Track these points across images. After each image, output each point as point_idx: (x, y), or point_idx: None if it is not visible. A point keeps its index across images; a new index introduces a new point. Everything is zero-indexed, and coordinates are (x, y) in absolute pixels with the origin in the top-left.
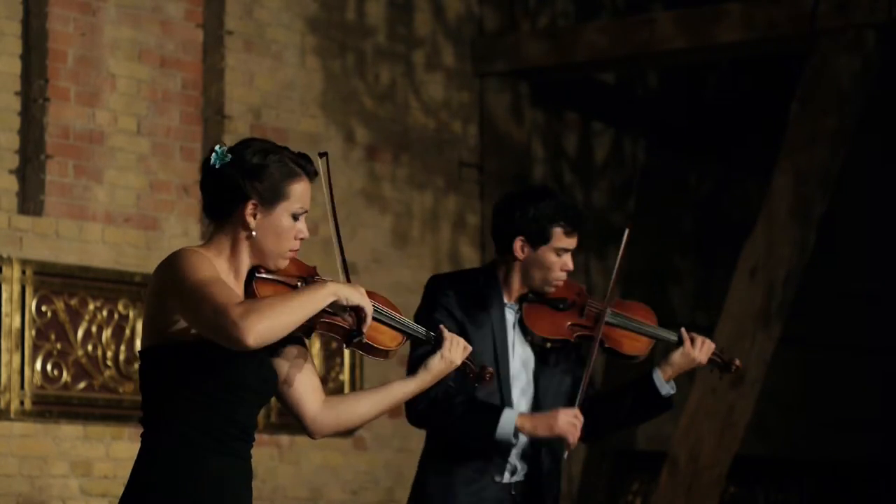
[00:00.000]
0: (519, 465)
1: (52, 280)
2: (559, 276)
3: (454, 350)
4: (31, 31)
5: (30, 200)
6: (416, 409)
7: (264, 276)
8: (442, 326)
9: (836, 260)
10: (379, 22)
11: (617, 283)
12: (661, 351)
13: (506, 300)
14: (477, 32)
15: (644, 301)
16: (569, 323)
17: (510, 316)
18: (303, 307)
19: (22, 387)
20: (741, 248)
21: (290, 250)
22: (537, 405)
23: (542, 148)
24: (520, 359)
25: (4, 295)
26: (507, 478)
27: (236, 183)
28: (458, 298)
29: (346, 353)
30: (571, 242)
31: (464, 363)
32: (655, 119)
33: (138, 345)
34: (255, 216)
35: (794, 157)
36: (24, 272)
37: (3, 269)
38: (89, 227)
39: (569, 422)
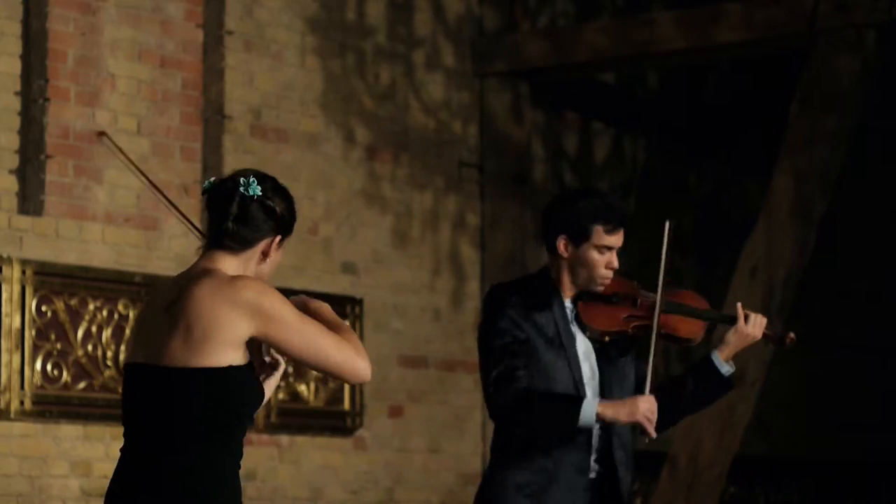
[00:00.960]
0: (594, 463)
1: (52, 280)
2: (604, 273)
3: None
4: (31, 31)
5: (30, 200)
6: (498, 403)
7: None
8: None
9: (836, 260)
10: (379, 22)
11: (666, 274)
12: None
13: (564, 300)
14: (477, 32)
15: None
16: (624, 315)
17: (568, 313)
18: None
19: (22, 387)
20: (741, 248)
21: None
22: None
23: (542, 148)
24: (583, 355)
25: (4, 295)
26: (587, 474)
27: (271, 217)
28: (521, 304)
29: None
30: (613, 240)
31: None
32: (655, 119)
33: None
34: (274, 249)
35: (794, 157)
36: (24, 272)
37: (3, 269)
38: (89, 227)
39: (649, 409)
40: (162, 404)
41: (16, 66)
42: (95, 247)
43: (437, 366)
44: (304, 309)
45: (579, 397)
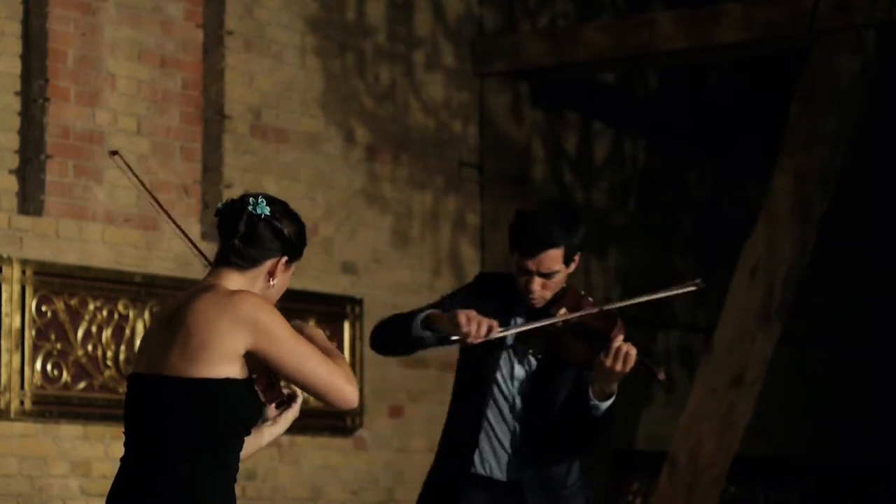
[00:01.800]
0: (504, 465)
1: (52, 280)
2: (526, 292)
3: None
4: (31, 31)
5: (30, 200)
6: (373, 334)
7: None
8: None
9: (836, 260)
10: (379, 22)
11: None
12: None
13: (518, 304)
14: (477, 32)
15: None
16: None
17: (520, 319)
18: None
19: (22, 387)
20: (741, 248)
21: None
22: (521, 407)
23: (542, 148)
24: (523, 362)
25: (4, 295)
26: (510, 478)
27: (277, 237)
28: (483, 289)
29: (346, 353)
30: (529, 264)
31: None
32: (655, 119)
33: (138, 344)
34: (281, 270)
35: (794, 157)
36: (24, 272)
37: (3, 269)
38: (89, 227)
39: (467, 314)
40: (158, 413)
41: (16, 66)
42: (95, 247)
43: (437, 366)
44: (300, 332)
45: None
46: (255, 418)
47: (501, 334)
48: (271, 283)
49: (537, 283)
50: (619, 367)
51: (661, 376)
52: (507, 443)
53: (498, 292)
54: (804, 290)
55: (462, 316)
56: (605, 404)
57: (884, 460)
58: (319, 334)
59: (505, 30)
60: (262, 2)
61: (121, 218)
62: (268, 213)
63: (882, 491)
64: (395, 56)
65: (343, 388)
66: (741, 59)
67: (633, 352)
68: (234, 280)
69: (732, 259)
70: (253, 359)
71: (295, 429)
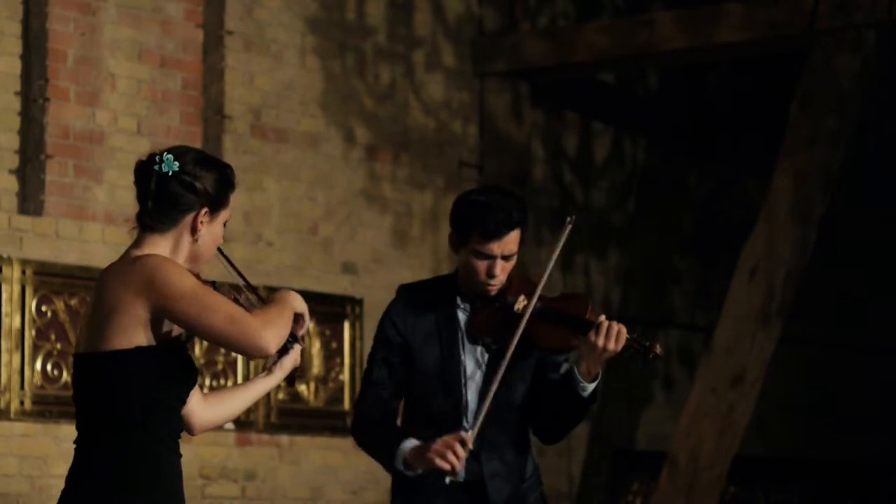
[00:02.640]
0: (467, 469)
1: (52, 280)
2: (484, 280)
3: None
4: (31, 31)
5: (30, 200)
6: (353, 431)
7: None
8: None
9: (836, 260)
10: (379, 22)
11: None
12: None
13: (459, 301)
14: (477, 32)
15: (644, 301)
16: (504, 321)
17: (462, 316)
18: (290, 317)
19: (22, 387)
20: (741, 248)
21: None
22: (481, 406)
23: (542, 148)
24: (472, 359)
25: (4, 295)
26: (461, 477)
27: (190, 192)
28: (407, 307)
29: (346, 353)
30: (492, 248)
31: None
32: (655, 119)
33: None
34: (202, 223)
35: (794, 157)
36: (24, 272)
37: (3, 269)
38: (89, 227)
39: (438, 451)
40: (82, 391)
41: (16, 66)
42: (95, 247)
43: None
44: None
45: (396, 442)
46: (182, 385)
47: (477, 425)
48: (196, 238)
49: (499, 266)
50: (612, 345)
51: (658, 349)
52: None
53: (429, 300)
54: (804, 290)
55: (434, 458)
56: (592, 386)
57: (884, 460)
58: (278, 295)
59: (505, 30)
60: (262, 2)
61: (121, 218)
62: (176, 169)
63: (882, 491)
64: (395, 56)
65: (248, 334)
66: (741, 59)
67: (624, 329)
68: (154, 243)
69: (732, 259)
70: (164, 316)
71: (295, 429)
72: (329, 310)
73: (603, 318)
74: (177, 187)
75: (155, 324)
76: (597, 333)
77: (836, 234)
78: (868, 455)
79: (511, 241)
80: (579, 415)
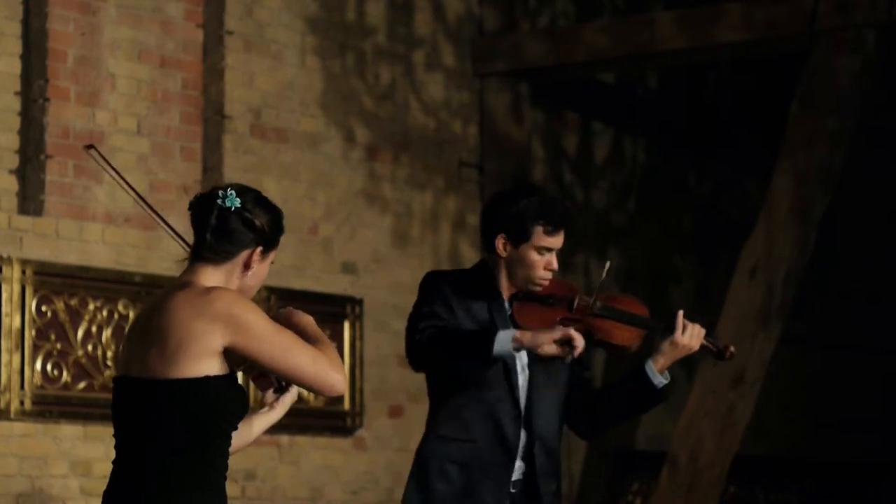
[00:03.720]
0: (518, 464)
1: (52, 280)
2: (542, 274)
3: (688, 339)
4: (31, 31)
5: (30, 200)
6: (416, 340)
7: None
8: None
9: (836, 260)
10: (379, 22)
11: (605, 284)
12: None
13: (501, 292)
14: (477, 32)
15: (644, 301)
16: (559, 318)
17: (506, 308)
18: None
19: (22, 387)
20: (741, 248)
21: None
22: (529, 401)
23: (542, 148)
24: (517, 355)
25: (4, 295)
26: (524, 469)
27: (249, 229)
28: (455, 291)
29: (346, 353)
30: (553, 241)
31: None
32: (655, 119)
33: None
34: (255, 261)
35: (794, 157)
36: (24, 272)
37: (3, 269)
38: (89, 227)
39: (565, 331)
40: (141, 417)
41: (16, 66)
42: (95, 247)
43: None
44: (288, 321)
45: (494, 330)
46: (239, 414)
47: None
48: (248, 274)
49: (556, 261)
50: (694, 342)
51: (730, 352)
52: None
53: (473, 288)
54: (804, 290)
55: (572, 332)
56: (666, 381)
57: (884, 460)
58: (306, 320)
59: (505, 30)
60: (262, 2)
61: (121, 218)
62: (238, 205)
63: (882, 491)
64: (395, 56)
65: (327, 375)
66: (741, 59)
67: (703, 330)
68: (209, 274)
69: (732, 259)
70: (236, 351)
71: (295, 429)
72: (329, 310)
73: (680, 315)
74: (236, 223)
75: (222, 355)
76: (683, 332)
77: (836, 234)
78: (868, 455)
79: (564, 236)
80: (650, 408)
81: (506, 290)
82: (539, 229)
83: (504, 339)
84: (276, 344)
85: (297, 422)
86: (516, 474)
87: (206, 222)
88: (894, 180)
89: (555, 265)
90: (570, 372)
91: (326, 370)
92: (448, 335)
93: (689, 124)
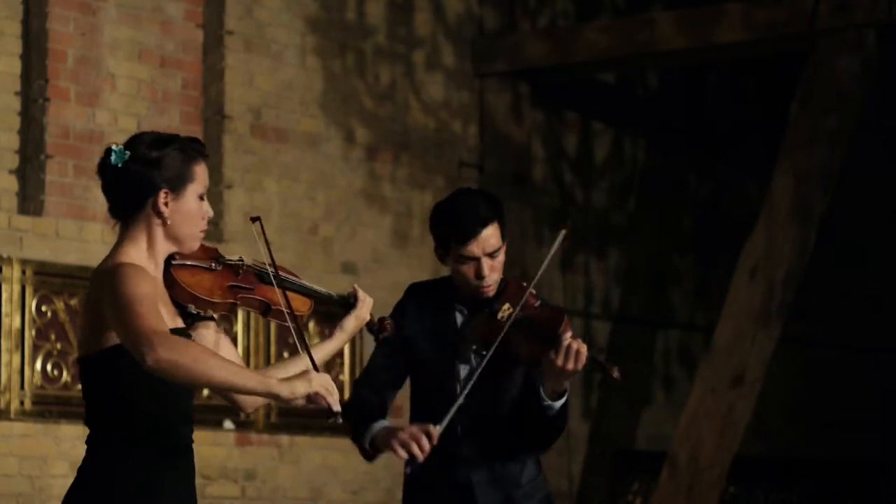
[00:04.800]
0: (459, 473)
1: (52, 280)
2: (476, 283)
3: (365, 308)
4: (31, 31)
5: (30, 200)
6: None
7: (180, 262)
8: (355, 286)
9: (836, 260)
10: (379, 22)
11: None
12: None
13: (458, 305)
14: (477, 32)
15: (644, 301)
16: (491, 327)
17: (459, 319)
18: (232, 376)
19: (22, 387)
20: (741, 248)
21: (201, 231)
22: (468, 406)
23: (542, 148)
24: (468, 362)
25: (4, 295)
26: (460, 480)
27: (145, 176)
28: (416, 304)
29: (346, 353)
30: (471, 249)
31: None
32: (655, 119)
33: None
34: (166, 204)
35: (794, 157)
36: (24, 272)
37: (3, 269)
38: (89, 227)
39: (403, 440)
40: (84, 394)
41: (16, 66)
42: (95, 247)
43: None
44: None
45: (370, 420)
46: (164, 389)
47: (444, 423)
48: (165, 221)
49: (487, 265)
50: (570, 365)
51: (616, 374)
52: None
53: (432, 302)
54: (804, 290)
55: (397, 447)
56: (559, 403)
57: (884, 460)
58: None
59: (505, 30)
60: (262, 2)
61: None
62: (126, 158)
63: (882, 491)
64: (395, 56)
65: (139, 347)
66: (741, 59)
67: (584, 349)
68: (129, 236)
69: (732, 259)
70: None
71: (295, 429)
72: (329, 310)
73: (567, 335)
74: (130, 176)
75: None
76: (557, 352)
77: (836, 234)
78: (868, 455)
79: (490, 238)
80: (548, 432)
81: (466, 297)
82: (453, 241)
83: (368, 436)
84: (120, 308)
85: (297, 422)
86: (453, 482)
87: (105, 185)
88: (894, 180)
89: (484, 271)
90: (524, 384)
91: (139, 339)
92: (352, 411)
93: (689, 124)
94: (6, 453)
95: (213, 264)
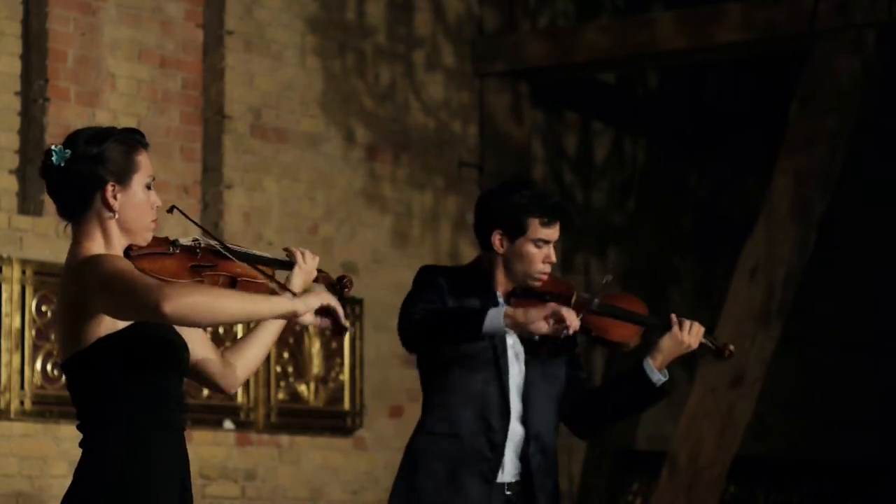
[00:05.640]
0: (511, 465)
1: (52, 280)
2: (541, 268)
3: (308, 261)
4: (31, 31)
5: (30, 200)
6: (410, 320)
7: (138, 252)
8: (289, 249)
9: (836, 260)
10: (379, 22)
11: (604, 290)
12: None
13: (497, 291)
14: (477, 32)
15: (644, 301)
16: None
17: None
18: (247, 303)
19: (22, 387)
20: (741, 248)
21: (152, 220)
22: (526, 398)
23: (542, 148)
24: (512, 351)
25: (4, 295)
26: (500, 477)
27: (88, 173)
28: (450, 286)
29: (346, 353)
30: (550, 233)
31: (329, 282)
32: (655, 119)
33: None
34: (115, 197)
35: (794, 157)
36: (24, 272)
37: (3, 269)
38: None
39: (557, 309)
40: (72, 396)
41: (16, 66)
42: None
43: None
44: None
45: (486, 308)
46: (161, 357)
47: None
48: (114, 213)
49: (553, 253)
50: (692, 340)
51: (731, 349)
52: (520, 442)
53: (469, 283)
54: (804, 290)
55: (563, 310)
56: (665, 378)
57: (884, 460)
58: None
59: (505, 30)
60: (262, 2)
61: None
62: (67, 157)
63: (882, 491)
64: (395, 56)
65: (146, 299)
66: (741, 59)
67: (702, 328)
68: (83, 232)
69: (732, 259)
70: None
71: (295, 429)
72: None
73: (675, 317)
74: (74, 174)
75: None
76: (681, 330)
77: (836, 234)
78: (868, 455)
79: (560, 228)
80: (649, 406)
81: (503, 286)
82: (535, 222)
83: (496, 316)
84: (113, 286)
85: (297, 422)
86: (511, 475)
87: (50, 187)
88: (894, 180)
89: (553, 258)
90: (568, 371)
91: (148, 295)
92: (440, 312)
93: (689, 124)
94: (6, 453)
95: (171, 248)
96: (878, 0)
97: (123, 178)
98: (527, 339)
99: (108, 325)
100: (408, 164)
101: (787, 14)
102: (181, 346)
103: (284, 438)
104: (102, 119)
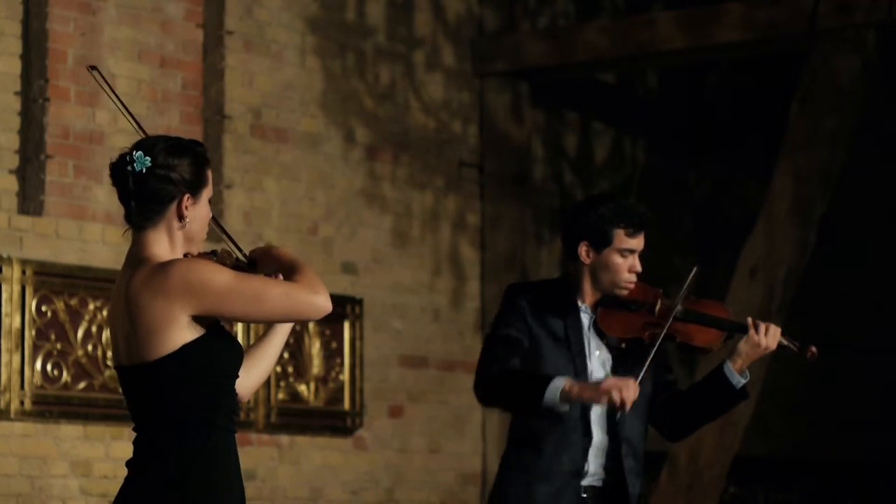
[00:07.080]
0: (594, 468)
1: (52, 280)
2: (627, 277)
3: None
4: (31, 31)
5: (30, 200)
6: (481, 378)
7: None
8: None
9: (836, 260)
10: (379, 22)
11: (689, 288)
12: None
13: (580, 305)
14: (477, 32)
15: None
16: (642, 322)
17: (585, 320)
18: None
19: (22, 387)
20: (741, 248)
21: (206, 231)
22: (614, 407)
23: (542, 148)
24: (598, 361)
25: (4, 295)
26: (583, 480)
27: (170, 182)
28: (532, 305)
29: (346, 353)
30: (635, 243)
31: None
32: (655, 119)
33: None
34: (187, 208)
35: (794, 157)
36: (24, 272)
37: (3, 269)
38: (89, 227)
39: (615, 384)
40: (140, 401)
41: (16, 66)
42: (95, 247)
43: (437, 366)
44: (267, 256)
45: (550, 377)
46: (231, 363)
47: (640, 377)
48: (186, 223)
49: (639, 263)
50: (771, 342)
51: (813, 350)
52: (606, 447)
53: (551, 302)
54: (804, 290)
55: (613, 388)
56: (745, 380)
57: (884, 460)
58: (283, 251)
59: (505, 30)
60: (262, 2)
61: (121, 218)
62: (149, 165)
63: (882, 491)
64: (395, 56)
65: (303, 302)
66: (741, 59)
67: (778, 330)
68: (152, 239)
69: (732, 259)
70: (210, 315)
71: (295, 429)
72: None
73: (751, 320)
74: (154, 183)
75: (195, 320)
76: (757, 331)
77: (836, 234)
78: (868, 455)
79: (644, 238)
80: (731, 408)
81: (590, 297)
82: (620, 232)
83: (554, 390)
84: (243, 293)
85: (297, 422)
86: (595, 478)
87: (126, 191)
88: (894, 180)
89: (638, 267)
90: (655, 375)
91: (302, 298)
92: (506, 381)
93: (689, 124)
94: (6, 453)
95: (214, 257)
96: (878, 0)
97: (196, 190)
98: (614, 346)
99: (192, 331)
100: (408, 164)
101: (787, 14)
102: (242, 351)
103: (284, 438)
104: (102, 119)
